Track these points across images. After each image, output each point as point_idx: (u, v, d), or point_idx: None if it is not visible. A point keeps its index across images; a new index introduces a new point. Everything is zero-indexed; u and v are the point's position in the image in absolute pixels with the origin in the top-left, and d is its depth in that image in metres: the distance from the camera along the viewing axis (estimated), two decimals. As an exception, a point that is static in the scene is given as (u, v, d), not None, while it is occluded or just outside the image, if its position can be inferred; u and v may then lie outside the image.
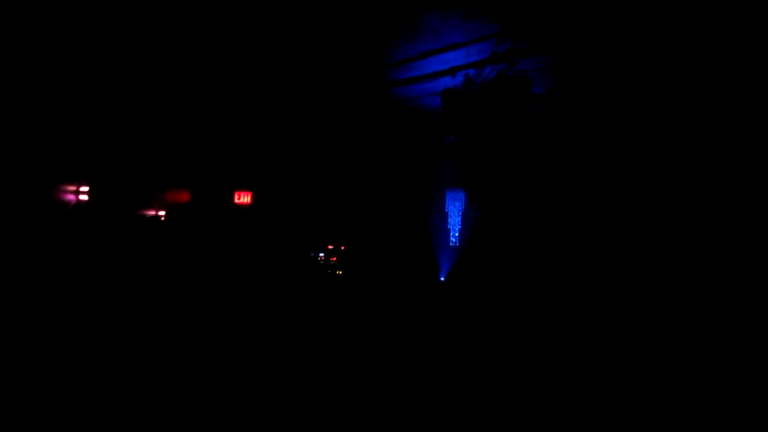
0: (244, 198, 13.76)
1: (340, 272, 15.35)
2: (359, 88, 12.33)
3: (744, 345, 8.86)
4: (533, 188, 13.16)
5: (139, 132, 10.29)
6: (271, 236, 14.10)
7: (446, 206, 15.01)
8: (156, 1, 8.89)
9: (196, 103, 11.62)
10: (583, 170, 12.06)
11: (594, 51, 10.23)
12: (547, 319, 11.78)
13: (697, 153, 10.59)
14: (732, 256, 10.13)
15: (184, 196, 12.83)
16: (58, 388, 6.75)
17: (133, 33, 9.23)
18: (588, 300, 11.59)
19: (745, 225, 10.11)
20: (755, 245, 9.89)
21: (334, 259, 15.43)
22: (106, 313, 9.17)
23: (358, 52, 11.29)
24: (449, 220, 14.96)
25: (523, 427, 7.21)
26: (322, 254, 15.38)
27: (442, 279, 14.99)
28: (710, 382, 8.15)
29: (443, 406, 7.95)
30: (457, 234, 14.90)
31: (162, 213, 11.74)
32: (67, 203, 8.66)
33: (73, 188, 8.72)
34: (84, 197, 8.86)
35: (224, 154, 13.03)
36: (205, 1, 9.24)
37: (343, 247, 15.52)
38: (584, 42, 10.01)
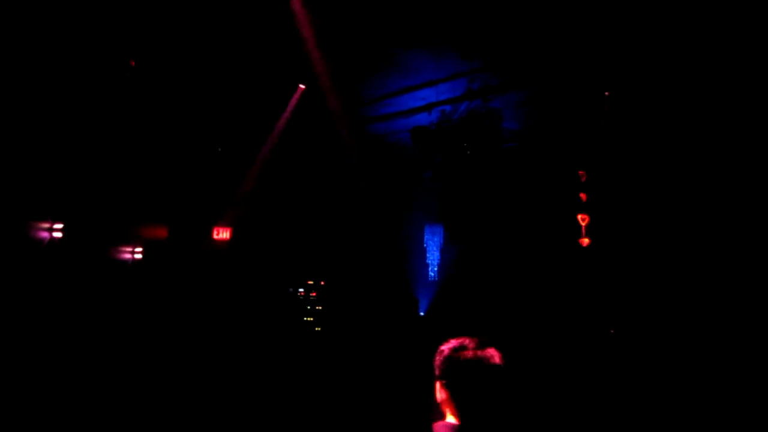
0: (223, 234, 13.71)
1: (320, 307, 15.28)
2: (336, 124, 12.45)
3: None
4: (509, 222, 13.27)
5: (115, 167, 10.26)
6: (251, 272, 14.05)
7: (425, 241, 15.06)
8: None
9: (172, 138, 11.66)
10: (556, 204, 12.20)
11: (567, 87, 10.45)
12: (526, 351, 11.79)
13: (679, 186, 10.70)
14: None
15: (161, 232, 12.76)
16: None
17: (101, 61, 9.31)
18: (563, 333, 11.63)
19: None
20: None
21: (314, 294, 15.38)
22: (82, 350, 9.04)
23: (335, 88, 11.44)
24: (428, 254, 14.98)
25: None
26: (301, 289, 15.31)
27: (422, 314, 14.97)
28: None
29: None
30: (436, 268, 14.92)
31: (139, 249, 11.65)
32: (41, 241, 8.58)
33: (46, 225, 8.65)
34: (58, 234, 8.78)
35: (202, 189, 13.02)
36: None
37: (323, 282, 15.48)
38: (556, 78, 10.23)
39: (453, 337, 2.77)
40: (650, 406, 8.70)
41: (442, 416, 2.82)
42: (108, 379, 9.06)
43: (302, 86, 11.34)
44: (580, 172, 11.70)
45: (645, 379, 9.57)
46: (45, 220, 8.71)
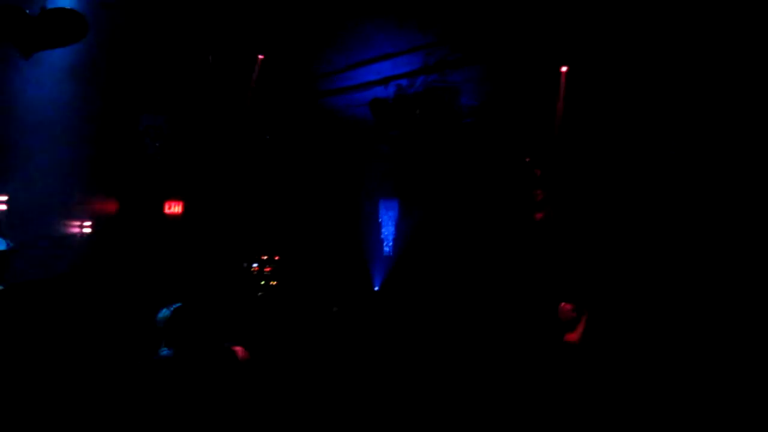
0: (174, 208, 13.45)
1: (275, 282, 15.18)
2: (291, 98, 12.29)
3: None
4: (465, 197, 13.33)
5: (62, 139, 9.93)
6: (204, 246, 13.84)
7: (380, 216, 15.08)
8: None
9: (123, 110, 11.35)
10: (512, 180, 12.30)
11: (524, 62, 10.48)
12: (480, 323, 11.94)
13: (636, 161, 10.79)
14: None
15: (111, 207, 12.45)
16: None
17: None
18: (515, 303, 11.78)
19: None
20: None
21: (268, 269, 15.25)
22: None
23: (290, 62, 11.28)
24: (383, 229, 15.03)
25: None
26: (255, 264, 15.17)
27: (377, 288, 15.03)
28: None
29: (376, 413, 7.96)
30: (391, 243, 14.98)
31: (88, 224, 11.36)
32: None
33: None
34: (2, 207, 8.47)
35: (153, 162, 12.71)
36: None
37: (277, 257, 15.36)
38: (514, 53, 10.25)
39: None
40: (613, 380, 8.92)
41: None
42: (57, 358, 8.84)
43: (261, 56, 11.12)
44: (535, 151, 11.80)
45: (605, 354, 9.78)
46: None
